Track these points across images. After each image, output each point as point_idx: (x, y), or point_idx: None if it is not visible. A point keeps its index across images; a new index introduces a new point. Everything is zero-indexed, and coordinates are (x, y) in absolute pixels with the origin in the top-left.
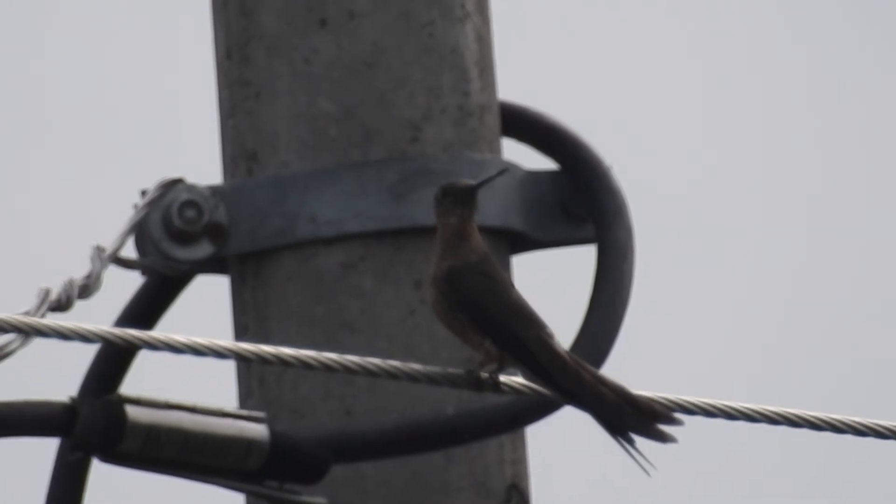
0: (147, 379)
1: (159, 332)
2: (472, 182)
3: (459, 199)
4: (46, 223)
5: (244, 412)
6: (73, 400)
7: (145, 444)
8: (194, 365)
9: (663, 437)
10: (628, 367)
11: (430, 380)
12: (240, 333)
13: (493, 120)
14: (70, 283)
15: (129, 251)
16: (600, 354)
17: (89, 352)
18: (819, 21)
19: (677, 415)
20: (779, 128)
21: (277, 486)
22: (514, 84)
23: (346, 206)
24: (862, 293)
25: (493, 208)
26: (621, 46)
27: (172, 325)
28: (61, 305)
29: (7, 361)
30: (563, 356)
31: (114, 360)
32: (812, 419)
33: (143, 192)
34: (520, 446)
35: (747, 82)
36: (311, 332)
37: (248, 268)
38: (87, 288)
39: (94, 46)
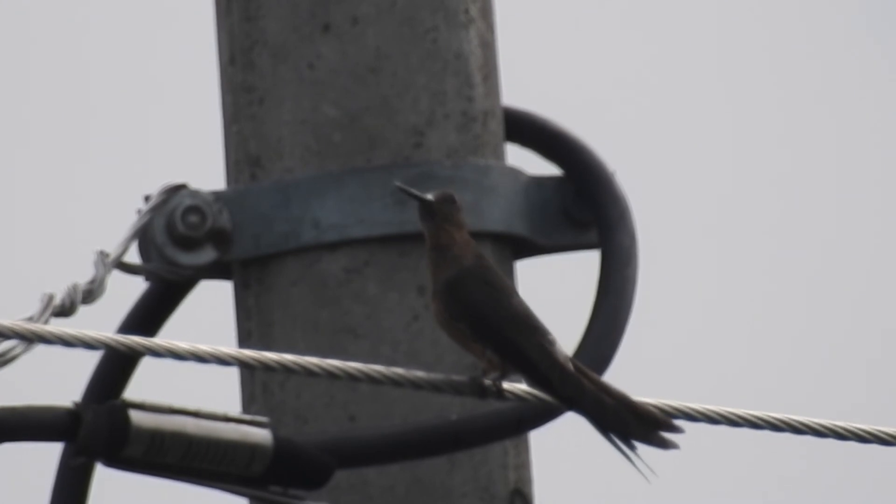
0: (150, 384)
1: (162, 338)
2: (426, 195)
3: (421, 212)
4: (50, 228)
5: (248, 417)
6: (76, 405)
7: (149, 448)
8: (198, 370)
9: (665, 444)
10: (631, 372)
11: (434, 387)
12: (243, 339)
13: (497, 125)
14: (74, 288)
15: (133, 256)
16: (603, 360)
17: (93, 357)
18: (829, 24)
19: (680, 422)
20: (785, 134)
21: (281, 491)
22: (517, 89)
23: (349, 212)
24: (867, 299)
25: (496, 214)
26: (626, 52)
27: (176, 330)
28: (65, 310)
29: (10, 366)
30: (564, 364)
31: (117, 365)
32: (816, 426)
33: (147, 198)
34: (523, 451)
35: (753, 88)
36: (314, 337)
37: (251, 273)
38: (90, 293)
39: (96, 51)
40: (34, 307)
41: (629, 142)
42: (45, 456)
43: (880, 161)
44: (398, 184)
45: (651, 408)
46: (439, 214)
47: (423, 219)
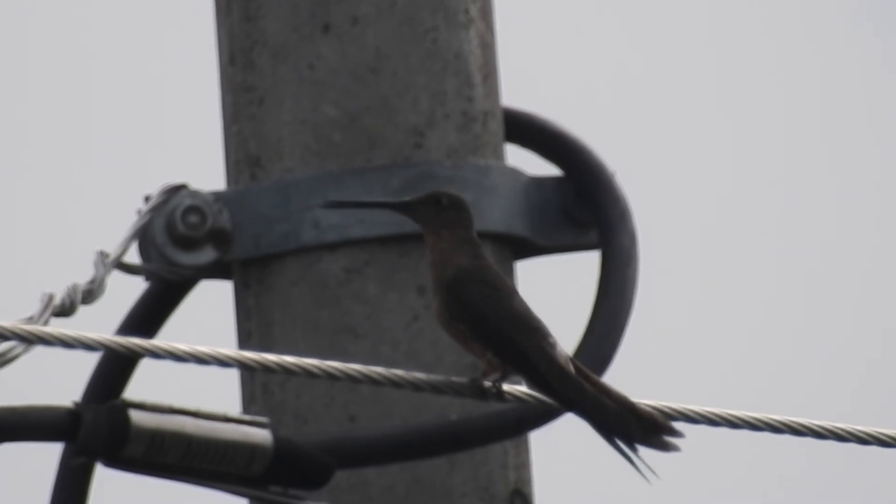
0: (150, 384)
1: (162, 339)
2: (403, 199)
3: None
4: (50, 228)
5: (248, 417)
6: (76, 405)
7: (149, 448)
8: (198, 371)
9: (666, 446)
10: (631, 372)
11: (434, 388)
12: (243, 339)
13: (497, 125)
14: (74, 289)
15: (133, 256)
16: (603, 360)
17: (93, 357)
18: (829, 23)
19: (681, 423)
20: (786, 134)
21: (281, 492)
22: (517, 90)
23: (349, 212)
24: (867, 299)
25: (496, 214)
26: (626, 53)
27: (176, 329)
28: (65, 310)
29: (10, 366)
30: (565, 366)
31: (117, 365)
32: (816, 428)
33: (147, 198)
34: (523, 451)
35: (753, 88)
36: (314, 337)
37: (251, 273)
38: (90, 293)
39: (96, 51)
40: (34, 307)
41: (629, 142)
42: (45, 456)
43: (880, 161)
44: (326, 201)
45: (651, 411)
46: (419, 217)
47: (418, 222)
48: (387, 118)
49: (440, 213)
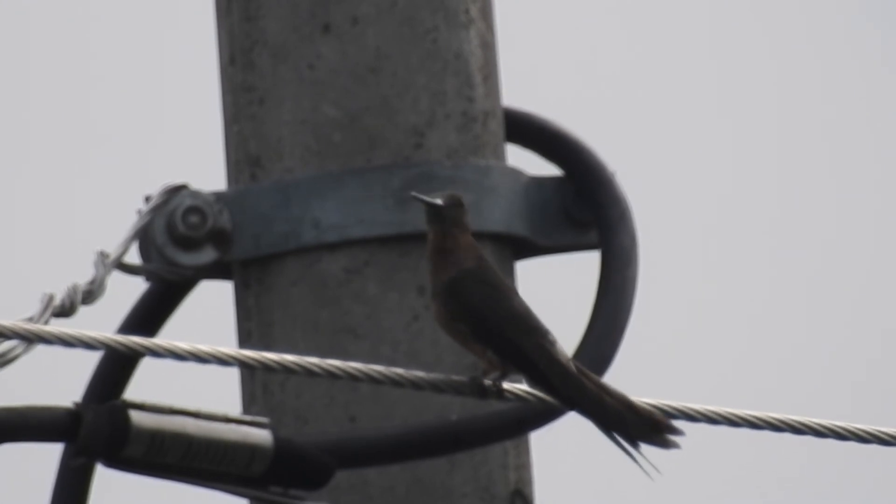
0: (151, 384)
1: (162, 339)
2: (436, 200)
3: (429, 215)
4: (50, 228)
5: (248, 417)
6: (77, 405)
7: (149, 449)
8: (198, 371)
9: (666, 444)
10: (631, 372)
11: (434, 387)
12: (243, 339)
13: (498, 126)
14: (74, 289)
15: (133, 257)
16: (604, 360)
17: (93, 357)
18: (829, 23)
19: (680, 422)
20: (784, 134)
21: (281, 492)
22: (518, 90)
23: (350, 212)
24: (867, 299)
25: (497, 214)
26: (626, 52)
27: (176, 330)
28: (65, 311)
29: (10, 367)
30: (565, 364)
31: (117, 365)
32: (816, 426)
33: (147, 198)
34: (524, 452)
35: (753, 88)
36: (314, 337)
37: (251, 273)
38: (90, 293)
39: (97, 51)
40: (34, 307)
41: (629, 142)
42: (45, 456)
43: (880, 161)
44: (414, 194)
45: (650, 409)
46: (449, 219)
47: (431, 221)
48: (387, 118)
49: (462, 216)
